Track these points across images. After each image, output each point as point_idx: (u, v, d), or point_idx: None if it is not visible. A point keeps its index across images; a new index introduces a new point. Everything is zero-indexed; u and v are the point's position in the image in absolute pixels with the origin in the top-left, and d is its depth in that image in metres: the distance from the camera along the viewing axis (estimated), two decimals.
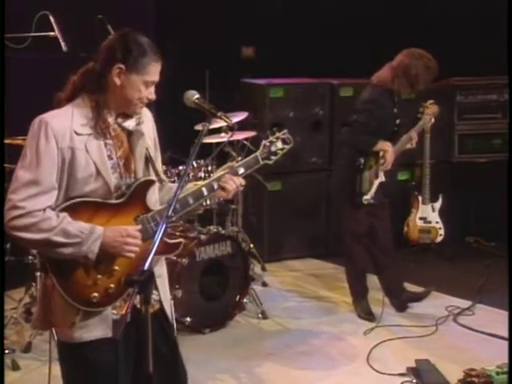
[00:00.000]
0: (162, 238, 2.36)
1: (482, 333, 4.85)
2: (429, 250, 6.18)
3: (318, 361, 4.52)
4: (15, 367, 4.24)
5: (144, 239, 2.57)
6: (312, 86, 6.53)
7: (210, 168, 5.10)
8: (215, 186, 2.74)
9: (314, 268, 6.31)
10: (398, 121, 4.92)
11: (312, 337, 4.86)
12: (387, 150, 4.85)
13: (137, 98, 2.57)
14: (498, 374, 4.02)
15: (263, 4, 6.70)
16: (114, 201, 2.57)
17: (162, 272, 2.77)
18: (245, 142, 5.61)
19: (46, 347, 4.14)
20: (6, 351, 4.32)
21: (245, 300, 5.05)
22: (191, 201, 2.68)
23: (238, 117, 5.26)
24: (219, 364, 4.44)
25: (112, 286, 2.57)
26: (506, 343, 4.57)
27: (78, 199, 2.51)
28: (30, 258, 4.68)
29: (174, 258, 4.68)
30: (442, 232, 6.02)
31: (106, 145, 2.56)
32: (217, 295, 4.96)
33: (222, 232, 5.10)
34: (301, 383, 4.27)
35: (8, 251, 4.81)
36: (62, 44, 4.44)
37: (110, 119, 2.58)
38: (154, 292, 2.66)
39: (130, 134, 2.65)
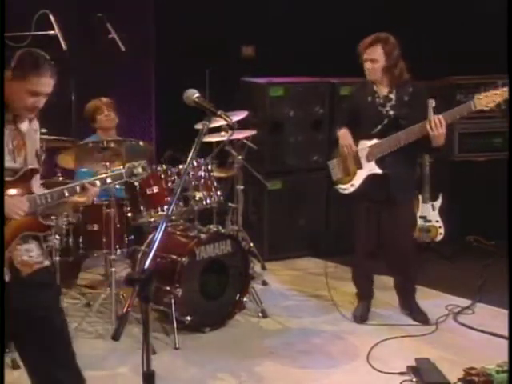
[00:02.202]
0: (161, 238, 2.47)
1: (482, 332, 4.84)
2: (429, 249, 6.18)
3: (318, 359, 4.52)
4: (15, 366, 4.22)
5: (27, 214, 3.10)
6: (312, 85, 6.53)
7: (209, 167, 5.11)
8: (78, 189, 3.24)
9: (314, 267, 6.31)
10: (387, 110, 4.74)
11: (312, 335, 4.86)
12: (339, 136, 4.83)
13: (21, 104, 3.06)
14: (498, 372, 4.01)
15: (263, 3, 6.71)
16: (6, 178, 3.07)
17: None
18: (245, 141, 5.63)
19: None
20: (7, 350, 4.32)
21: (245, 299, 5.05)
22: (66, 193, 3.20)
23: (238, 116, 5.27)
24: (219, 363, 4.44)
25: None
26: (506, 342, 4.56)
27: None
28: None
29: (175, 256, 4.73)
30: (442, 231, 6.03)
31: (10, 133, 3.11)
32: (217, 294, 4.96)
33: (222, 231, 5.10)
34: (301, 382, 4.27)
35: None
36: (62, 42, 4.45)
37: (10, 117, 3.10)
38: (31, 254, 3.18)
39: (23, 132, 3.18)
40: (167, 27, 6.49)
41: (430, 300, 5.30)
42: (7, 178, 3.09)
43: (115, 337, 2.34)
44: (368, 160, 4.77)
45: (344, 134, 4.84)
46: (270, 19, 6.72)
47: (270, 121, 6.33)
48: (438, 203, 6.10)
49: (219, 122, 4.56)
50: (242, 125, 5.37)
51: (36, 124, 3.28)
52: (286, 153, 6.46)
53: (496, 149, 6.33)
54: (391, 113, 4.75)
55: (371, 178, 4.79)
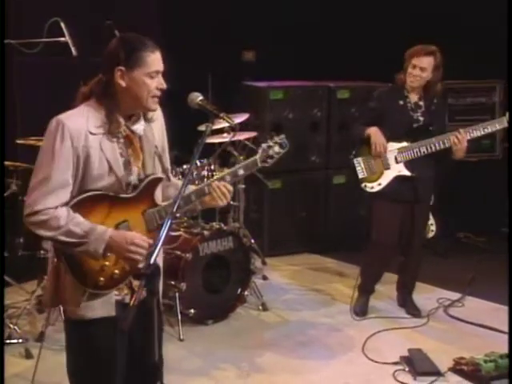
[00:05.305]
0: (167, 233, 2.48)
1: (471, 323, 4.95)
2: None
3: (316, 350, 4.61)
4: (28, 356, 4.35)
5: (150, 230, 2.77)
6: (310, 89, 6.59)
7: (212, 167, 5.17)
8: (206, 191, 2.87)
9: (312, 262, 6.38)
10: (418, 116, 4.88)
11: (310, 328, 4.94)
12: (370, 134, 4.84)
13: (146, 93, 2.68)
14: (485, 362, 4.16)
15: (264, 9, 6.74)
16: (125, 195, 2.72)
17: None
18: (246, 142, 5.68)
19: (57, 337, 4.30)
20: (20, 340, 4.46)
21: (246, 293, 5.12)
22: (193, 197, 2.86)
23: (240, 118, 5.32)
24: (222, 354, 4.52)
25: (117, 272, 2.75)
26: (493, 333, 4.72)
27: (91, 193, 2.65)
28: (42, 252, 4.81)
29: (179, 252, 4.80)
30: (433, 228, 6.08)
31: (118, 143, 2.71)
32: (219, 288, 5.04)
33: (224, 228, 5.17)
34: (300, 372, 4.33)
35: (21, 246, 4.94)
36: (73, 49, 4.51)
37: (122, 121, 2.71)
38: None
39: (140, 135, 2.81)
40: (170, 32, 6.55)
41: (423, 294, 5.38)
42: (125, 195, 2.73)
43: (122, 329, 2.37)
44: (397, 161, 4.86)
45: (376, 133, 4.84)
46: (270, 25, 6.76)
47: (270, 123, 6.38)
48: (431, 201, 6.21)
49: (222, 124, 4.68)
50: (243, 126, 5.45)
51: (157, 123, 2.94)
52: (285, 153, 6.50)
53: (484, 150, 6.39)
54: (421, 119, 4.88)
55: (399, 178, 4.88)
